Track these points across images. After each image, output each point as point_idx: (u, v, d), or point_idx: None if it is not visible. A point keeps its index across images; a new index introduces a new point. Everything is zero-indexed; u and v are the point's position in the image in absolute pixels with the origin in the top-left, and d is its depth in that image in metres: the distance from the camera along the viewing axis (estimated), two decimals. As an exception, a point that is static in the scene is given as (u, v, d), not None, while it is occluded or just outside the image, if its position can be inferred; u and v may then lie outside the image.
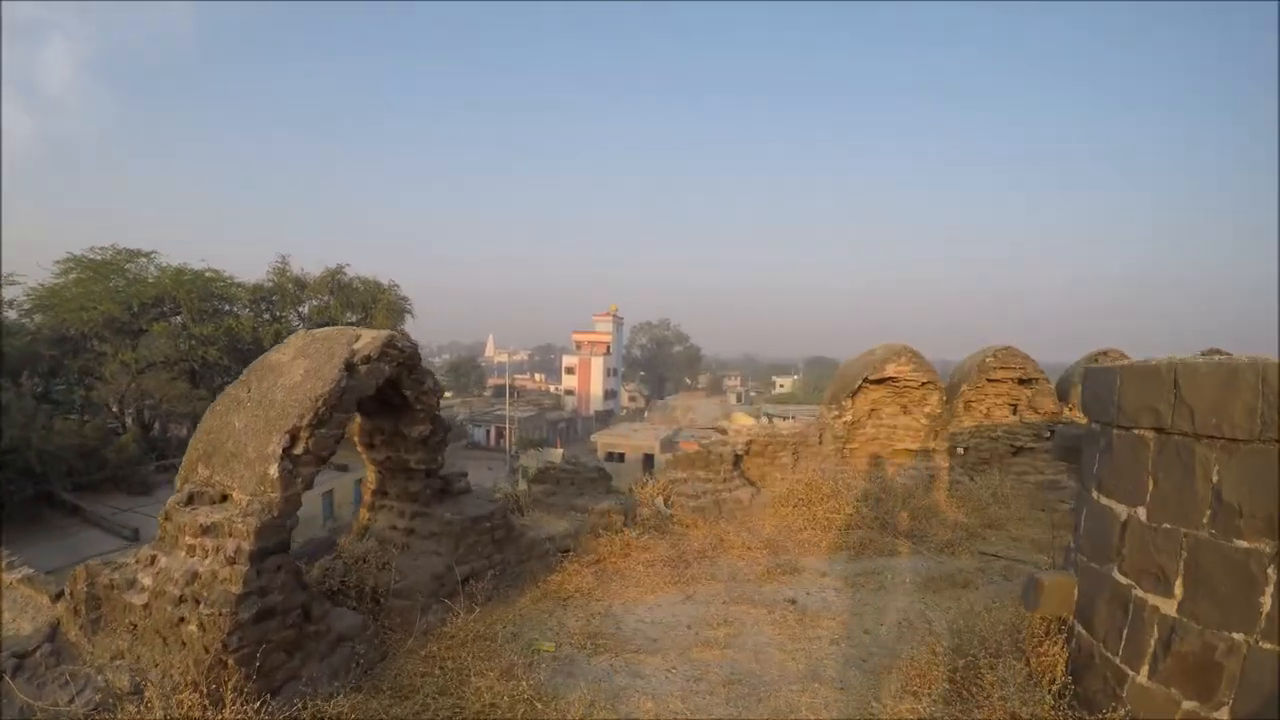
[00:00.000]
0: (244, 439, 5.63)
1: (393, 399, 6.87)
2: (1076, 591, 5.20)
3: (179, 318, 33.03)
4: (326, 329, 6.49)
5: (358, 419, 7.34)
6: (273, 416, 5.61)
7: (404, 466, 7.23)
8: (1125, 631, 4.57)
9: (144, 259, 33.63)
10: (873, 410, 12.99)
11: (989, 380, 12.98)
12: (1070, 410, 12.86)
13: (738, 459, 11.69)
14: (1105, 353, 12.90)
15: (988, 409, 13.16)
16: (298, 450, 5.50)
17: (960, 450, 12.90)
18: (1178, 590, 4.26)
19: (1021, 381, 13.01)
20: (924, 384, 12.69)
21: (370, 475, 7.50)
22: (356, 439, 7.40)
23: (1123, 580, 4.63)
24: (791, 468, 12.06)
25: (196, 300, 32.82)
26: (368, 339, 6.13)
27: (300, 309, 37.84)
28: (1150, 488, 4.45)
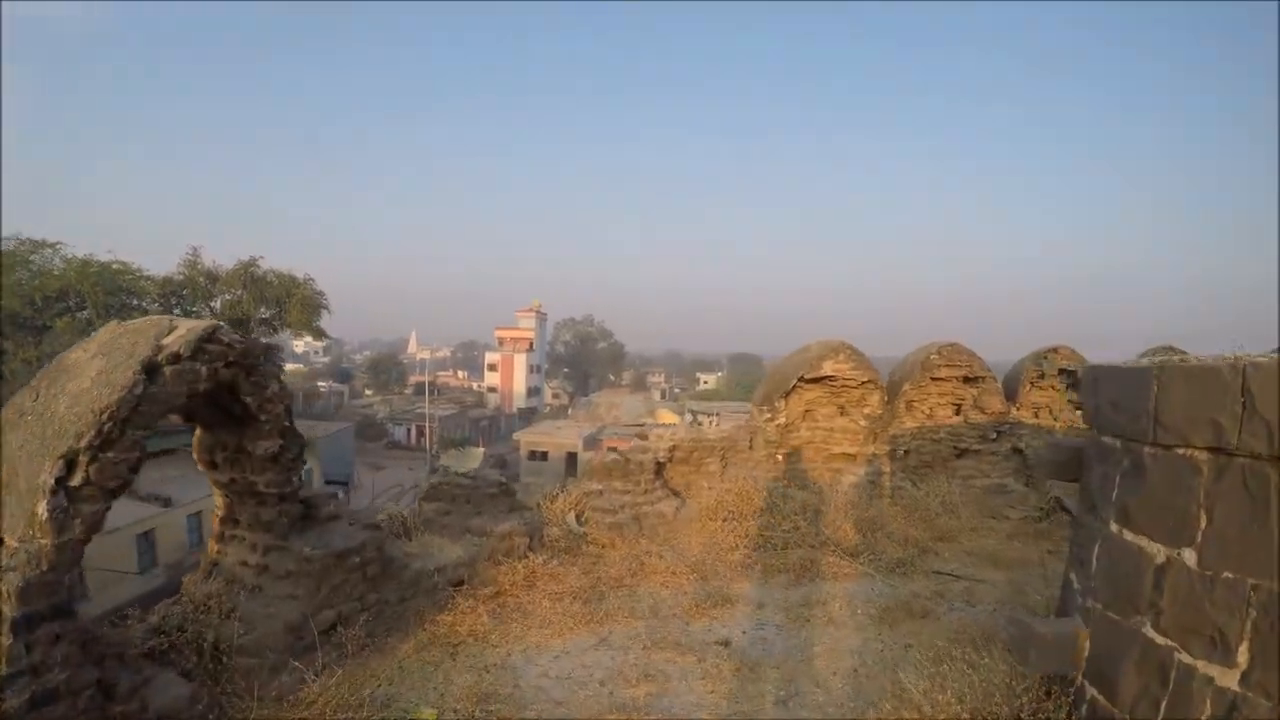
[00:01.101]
0: (17, 464, 4.34)
1: (233, 408, 5.59)
2: (1088, 645, 4.31)
3: (85, 313, 30.96)
4: (141, 319, 5.20)
5: (198, 432, 6.05)
6: (49, 435, 4.33)
7: (252, 490, 5.99)
8: (1164, 705, 3.72)
9: (49, 250, 31.84)
10: (807, 411, 12.18)
11: (933, 379, 12.35)
12: (1017, 410, 12.33)
13: (660, 467, 10.68)
14: (1056, 349, 12.44)
15: (930, 409, 12.55)
16: (75, 480, 4.24)
17: (901, 453, 12.22)
18: (1241, 658, 3.43)
19: (966, 380, 12.45)
20: (864, 383, 11.96)
21: (218, 500, 6.22)
22: (196, 456, 6.11)
23: (1159, 640, 3.76)
24: (720, 476, 11.12)
25: (103, 294, 30.98)
26: (181, 332, 4.82)
27: (212, 304, 36.55)
28: (1203, 524, 3.60)
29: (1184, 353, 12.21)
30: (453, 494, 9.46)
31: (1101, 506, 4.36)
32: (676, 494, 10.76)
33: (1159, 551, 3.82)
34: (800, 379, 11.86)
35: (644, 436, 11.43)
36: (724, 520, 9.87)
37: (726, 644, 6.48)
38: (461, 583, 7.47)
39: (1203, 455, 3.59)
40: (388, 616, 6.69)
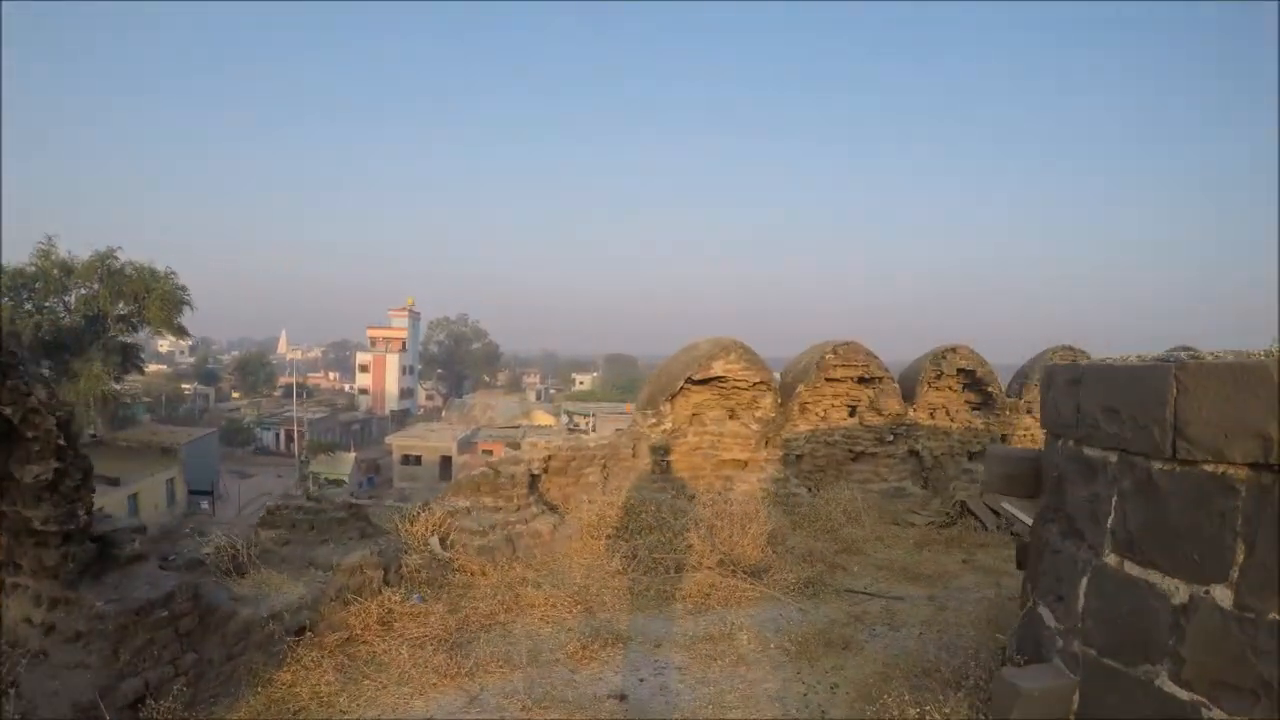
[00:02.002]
0: None
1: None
2: (1078, 699, 3.72)
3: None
4: None
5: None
6: None
7: (27, 527, 4.67)
8: (1189, 777, 3.11)
9: None
10: (695, 415, 11.53)
11: (828, 379, 11.97)
12: (914, 411, 12.12)
13: (535, 480, 9.72)
14: (954, 349, 12.35)
15: (825, 411, 12.18)
16: None
17: (794, 458, 11.77)
18: (1294, 719, 2.83)
19: (862, 380, 12.13)
20: (756, 384, 11.42)
21: None
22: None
23: (1181, 694, 3.20)
24: (601, 488, 10.28)
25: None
26: None
27: (66, 298, 35.25)
28: (1240, 557, 3.01)
29: (1083, 351, 12.41)
30: (293, 519, 8.17)
31: (1090, 533, 3.79)
32: (554, 509, 9.84)
33: (1177, 589, 3.25)
34: (688, 380, 11.18)
35: (516, 445, 10.44)
36: (608, 538, 9.03)
37: (622, 698, 5.61)
38: (304, 630, 6.29)
39: (1241, 473, 3.03)
40: (211, 680, 5.47)
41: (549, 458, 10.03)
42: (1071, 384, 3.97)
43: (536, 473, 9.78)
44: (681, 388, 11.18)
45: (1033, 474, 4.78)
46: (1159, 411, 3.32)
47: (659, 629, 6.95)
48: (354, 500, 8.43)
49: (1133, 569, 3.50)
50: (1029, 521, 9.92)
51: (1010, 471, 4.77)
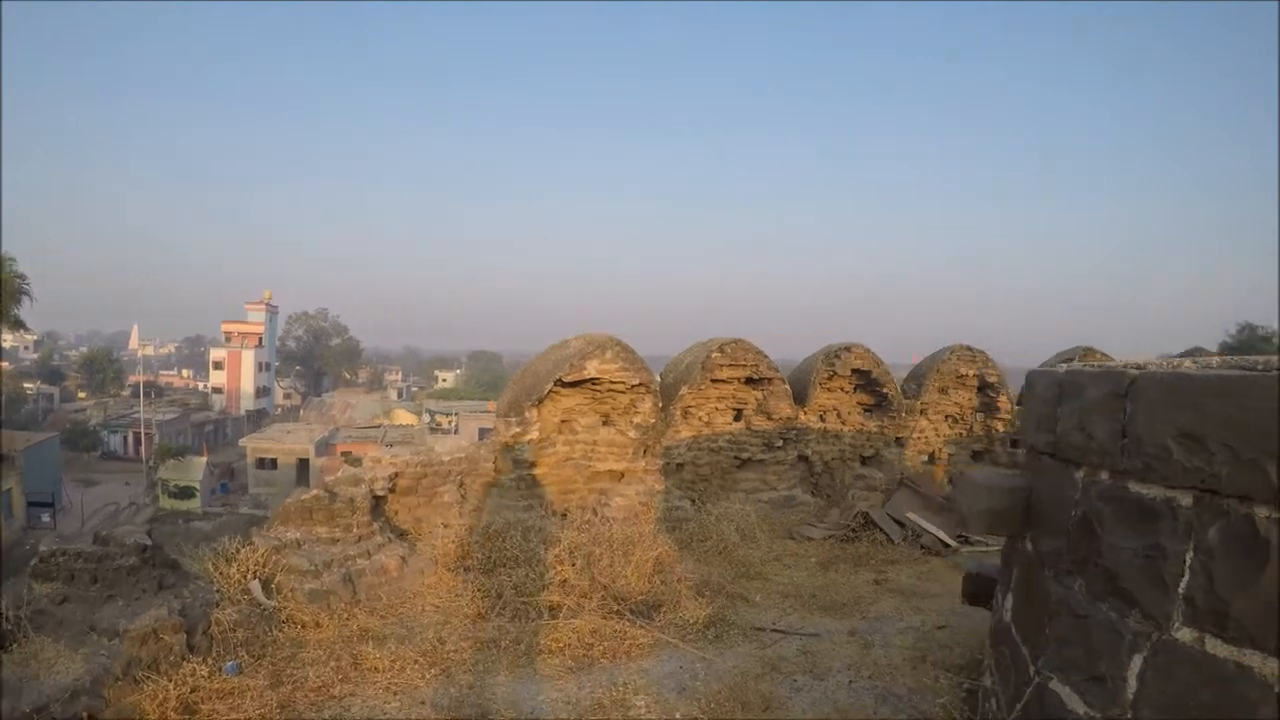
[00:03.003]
0: None
1: None
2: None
3: None
4: None
5: None
6: None
7: None
8: None
9: None
10: (564, 421, 10.40)
11: (713, 381, 11.11)
12: (804, 414, 11.46)
13: (379, 502, 8.33)
14: (849, 348, 11.78)
15: (708, 415, 11.32)
16: None
17: (675, 467, 10.88)
18: None
19: (750, 381, 11.35)
20: (634, 387, 10.40)
21: None
22: None
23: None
24: (458, 509, 9.00)
25: None
26: None
27: None
28: None
29: (982, 352, 12.14)
30: (71, 569, 6.45)
31: (1148, 598, 2.93)
32: (403, 535, 8.49)
33: None
34: (558, 382, 10.02)
35: (356, 461, 8.97)
36: (467, 571, 7.79)
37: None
38: (84, 722, 4.77)
39: None
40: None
41: (395, 475, 8.65)
42: (1113, 398, 3.12)
43: (381, 494, 8.38)
44: (550, 391, 10.01)
45: (1022, 508, 3.95)
46: (1274, 442, 2.48)
47: (535, 696, 5.78)
48: (148, 541, 6.75)
49: (1220, 648, 2.68)
50: (940, 534, 9.52)
51: (998, 506, 3.92)
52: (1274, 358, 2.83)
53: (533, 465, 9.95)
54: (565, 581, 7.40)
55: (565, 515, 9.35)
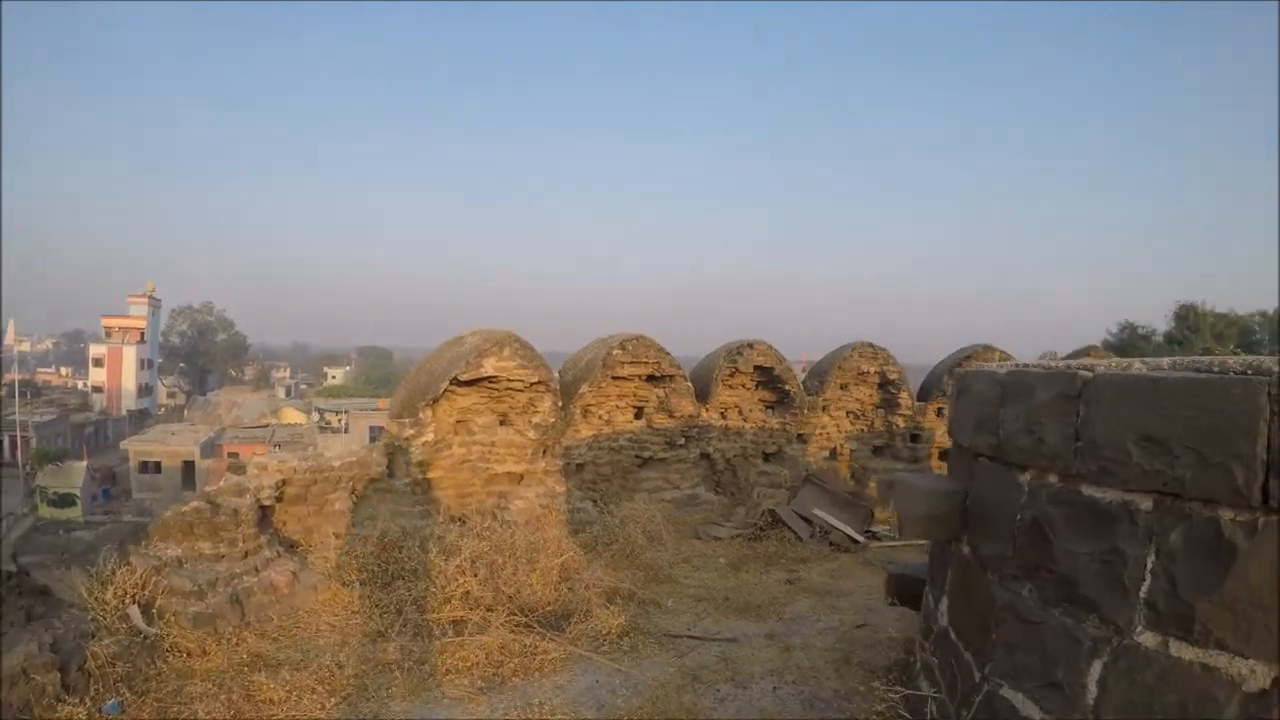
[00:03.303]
0: None
1: None
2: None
3: None
4: None
5: None
6: None
7: None
8: None
9: None
10: (460, 422, 10.00)
11: (614, 378, 10.91)
12: (706, 412, 11.41)
13: (266, 513, 7.76)
14: (751, 344, 11.78)
15: (609, 414, 11.12)
16: None
17: (575, 467, 10.65)
18: None
19: (651, 379, 11.21)
20: (533, 385, 10.08)
21: None
22: None
23: None
24: (351, 517, 8.49)
25: None
26: None
27: None
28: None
29: (884, 350, 12.35)
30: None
31: (1108, 603, 2.92)
32: (293, 548, 7.96)
33: (1253, 671, 2.44)
34: (454, 381, 9.60)
35: (241, 468, 8.35)
36: (364, 586, 7.34)
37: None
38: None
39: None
40: None
41: (283, 483, 8.08)
42: (1065, 400, 3.08)
43: (268, 503, 7.81)
44: (445, 390, 9.60)
45: (959, 512, 3.91)
46: (1241, 444, 2.46)
47: None
48: (13, 568, 6.03)
49: (1185, 650, 2.68)
50: (848, 531, 9.61)
51: (937, 511, 3.86)
52: (1228, 359, 2.83)
53: (428, 469, 9.52)
54: (468, 594, 7.05)
55: (464, 521, 8.97)
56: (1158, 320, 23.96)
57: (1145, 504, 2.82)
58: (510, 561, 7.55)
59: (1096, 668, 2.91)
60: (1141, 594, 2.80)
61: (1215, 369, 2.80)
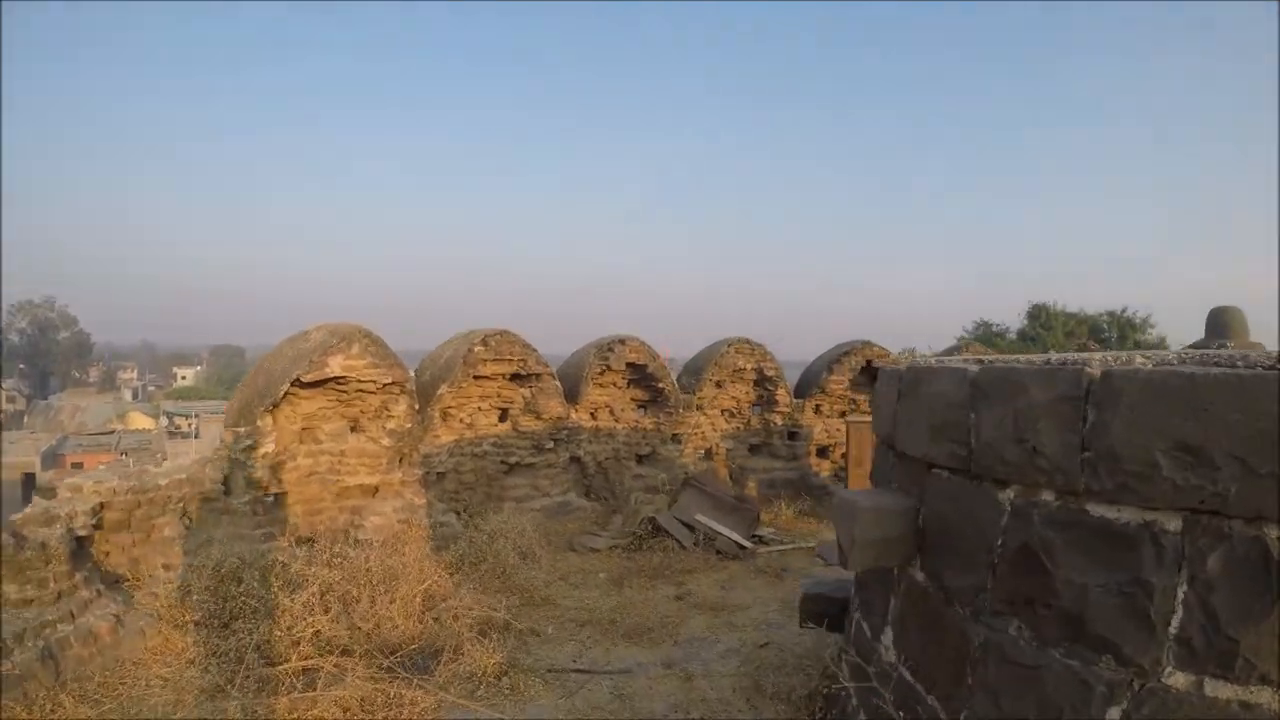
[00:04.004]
0: None
1: None
2: None
3: None
4: None
5: None
6: None
7: None
8: None
9: None
10: (305, 429, 8.97)
11: (475, 377, 10.12)
12: (575, 412, 10.79)
13: (82, 544, 6.58)
14: (623, 340, 11.23)
15: (470, 417, 10.32)
16: None
17: (436, 476, 9.83)
18: None
19: (516, 378, 10.48)
20: (387, 386, 9.16)
21: None
22: None
23: None
24: (183, 544, 7.40)
25: None
26: None
27: None
28: None
29: (760, 345, 12.05)
30: None
31: (1130, 641, 2.48)
32: (117, 584, 6.82)
33: None
34: (296, 382, 8.57)
35: (50, 491, 7.07)
36: (198, 625, 6.32)
37: None
38: None
39: None
40: None
41: (101, 507, 6.88)
42: (1068, 402, 2.66)
43: (84, 533, 6.61)
44: (287, 393, 8.55)
45: (912, 534, 3.46)
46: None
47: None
48: None
49: (1222, 689, 2.30)
50: (734, 537, 9.20)
51: (888, 534, 3.39)
52: (1249, 352, 2.47)
53: (271, 484, 8.46)
54: (319, 634, 6.16)
55: (313, 542, 7.99)
56: (1011, 318, 25.30)
57: (1172, 524, 2.41)
58: (366, 592, 6.69)
59: (1114, 714, 2.49)
60: (1171, 629, 2.39)
61: (1240, 363, 2.44)
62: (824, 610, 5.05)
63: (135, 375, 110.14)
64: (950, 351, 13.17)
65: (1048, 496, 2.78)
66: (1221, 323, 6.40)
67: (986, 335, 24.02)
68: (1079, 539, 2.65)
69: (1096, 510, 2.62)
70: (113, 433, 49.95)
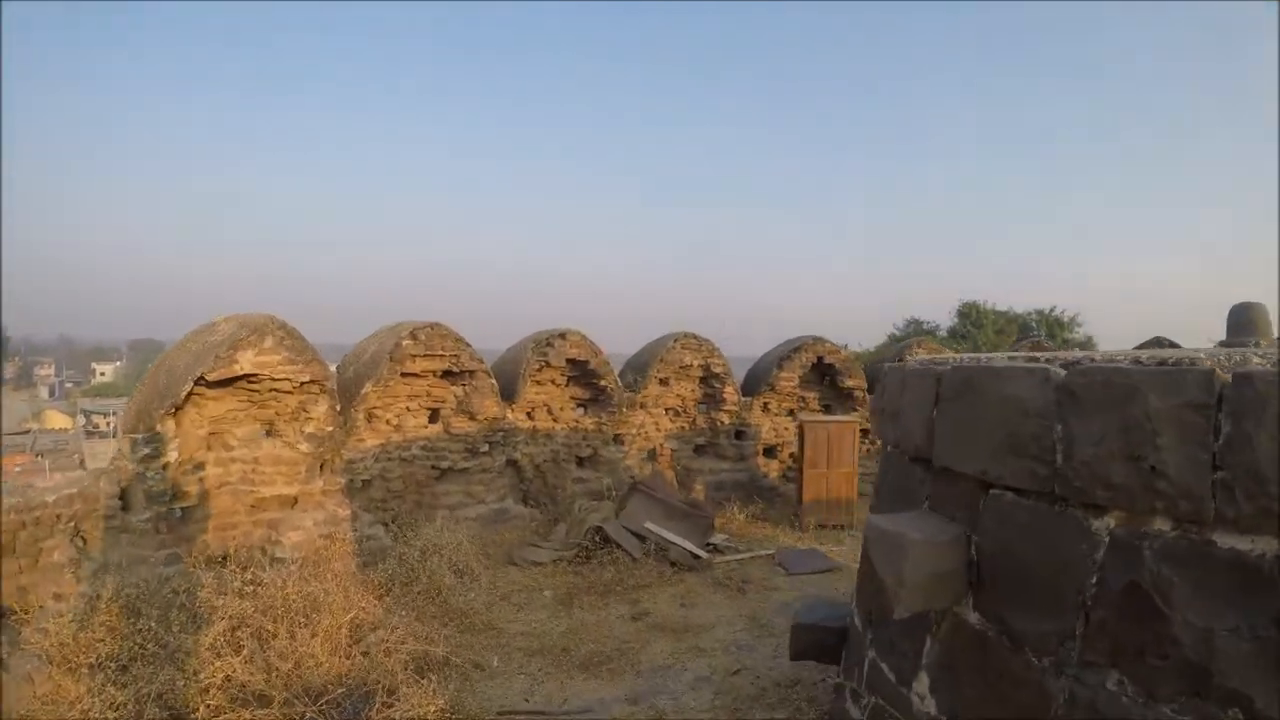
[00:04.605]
0: None
1: None
2: None
3: None
4: None
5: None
6: None
7: None
8: None
9: None
10: (214, 434, 8.11)
11: (404, 374, 9.37)
12: (511, 412, 10.13)
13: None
14: (563, 335, 10.57)
15: (398, 418, 9.57)
16: None
17: (361, 484, 9.07)
18: None
19: (449, 375, 9.77)
20: (305, 385, 8.35)
21: None
22: None
23: None
24: (76, 571, 6.53)
25: None
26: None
27: None
28: None
29: (708, 340, 11.52)
30: None
31: (1261, 693, 2.00)
32: (3, 618, 5.94)
33: None
34: (201, 381, 7.70)
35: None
36: (94, 669, 5.49)
37: None
38: None
39: None
40: None
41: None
42: (1196, 411, 2.16)
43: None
44: (191, 393, 7.68)
45: (963, 567, 2.95)
46: None
47: None
48: None
49: None
50: (688, 546, 8.65)
51: (941, 570, 2.88)
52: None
53: (175, 497, 7.58)
54: (230, 679, 5.39)
55: (226, 561, 7.16)
56: (941, 316, 25.56)
57: None
58: (284, 625, 5.91)
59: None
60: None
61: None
62: (821, 642, 4.55)
63: (53, 371, 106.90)
64: (901, 350, 12.91)
65: (1162, 526, 2.30)
66: (1246, 319, 6.14)
67: (917, 333, 24.16)
68: (1204, 576, 2.18)
69: (1225, 541, 2.15)
70: (28, 432, 47.52)
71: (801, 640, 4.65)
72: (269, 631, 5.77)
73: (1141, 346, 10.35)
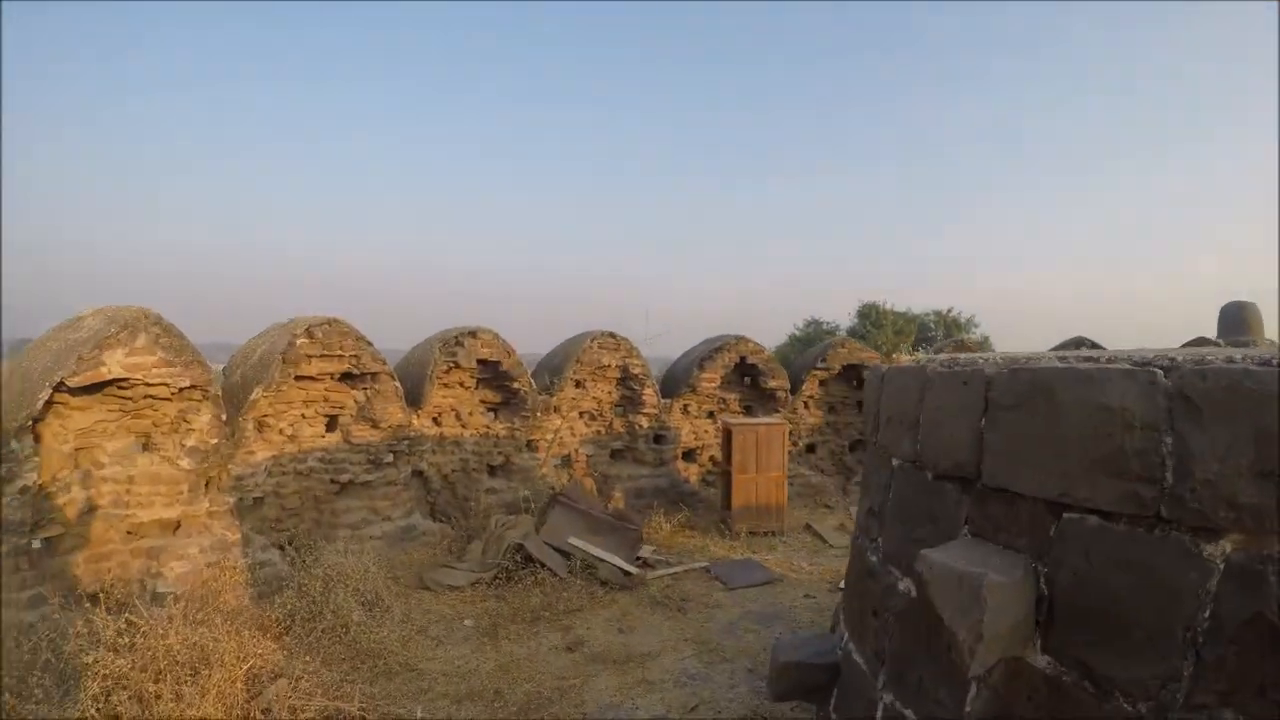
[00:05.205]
0: None
1: None
2: None
3: None
4: None
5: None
6: None
7: None
8: None
9: None
10: (82, 449, 7.19)
11: (298, 377, 8.60)
12: (417, 418, 9.47)
13: None
14: (474, 333, 9.92)
15: (292, 426, 8.80)
16: None
17: (252, 502, 8.30)
18: None
19: (349, 378, 9.04)
20: (185, 390, 7.51)
21: None
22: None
23: None
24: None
25: None
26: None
27: None
28: None
29: (625, 339, 11.01)
30: None
31: None
32: None
33: None
34: (62, 386, 6.78)
35: None
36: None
37: None
38: None
39: None
40: None
41: None
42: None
43: None
44: (52, 401, 6.76)
45: (1033, 606, 2.60)
46: None
47: None
48: None
49: None
50: (618, 563, 8.16)
51: (1022, 614, 2.52)
52: None
53: (37, 526, 6.64)
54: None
55: (100, 599, 6.29)
56: (841, 316, 25.88)
57: None
58: (169, 683, 5.16)
59: None
60: None
61: None
62: (807, 681, 4.15)
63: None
64: (825, 350, 12.79)
65: (1292, 552, 1.99)
66: (1240, 319, 6.10)
67: (817, 333, 24.41)
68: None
69: None
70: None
71: (786, 680, 4.25)
72: (151, 693, 5.01)
73: (1060, 348, 10.44)
